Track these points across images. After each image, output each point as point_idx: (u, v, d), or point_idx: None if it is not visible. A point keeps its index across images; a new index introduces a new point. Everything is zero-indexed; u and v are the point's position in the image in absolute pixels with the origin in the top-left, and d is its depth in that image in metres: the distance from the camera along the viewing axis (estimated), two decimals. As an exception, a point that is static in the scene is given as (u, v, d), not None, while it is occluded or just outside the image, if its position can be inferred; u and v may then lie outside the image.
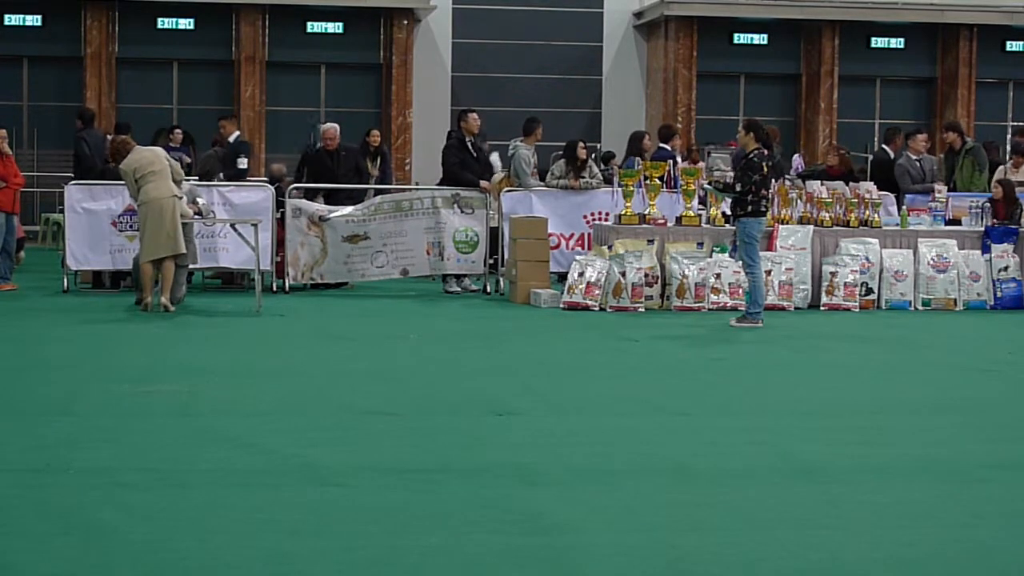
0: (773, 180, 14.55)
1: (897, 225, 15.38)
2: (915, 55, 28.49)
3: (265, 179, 18.39)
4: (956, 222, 15.76)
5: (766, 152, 12.91)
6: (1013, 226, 15.31)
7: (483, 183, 15.88)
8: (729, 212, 13.71)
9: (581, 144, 16.10)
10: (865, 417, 8.28)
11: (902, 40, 28.27)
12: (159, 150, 13.87)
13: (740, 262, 13.27)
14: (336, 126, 16.92)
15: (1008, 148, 26.75)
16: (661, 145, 17.21)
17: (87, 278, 15.70)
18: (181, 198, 13.39)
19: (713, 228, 14.75)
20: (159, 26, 26.63)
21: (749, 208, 12.72)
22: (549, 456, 6.95)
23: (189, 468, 6.53)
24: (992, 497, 6.29)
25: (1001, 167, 17.71)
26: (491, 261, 15.92)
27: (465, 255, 15.81)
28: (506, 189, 15.94)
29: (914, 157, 16.89)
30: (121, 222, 15.00)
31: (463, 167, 15.82)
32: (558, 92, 27.69)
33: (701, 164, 17.39)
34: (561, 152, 16.60)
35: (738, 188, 12.78)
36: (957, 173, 17.04)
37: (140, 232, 13.34)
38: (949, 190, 16.31)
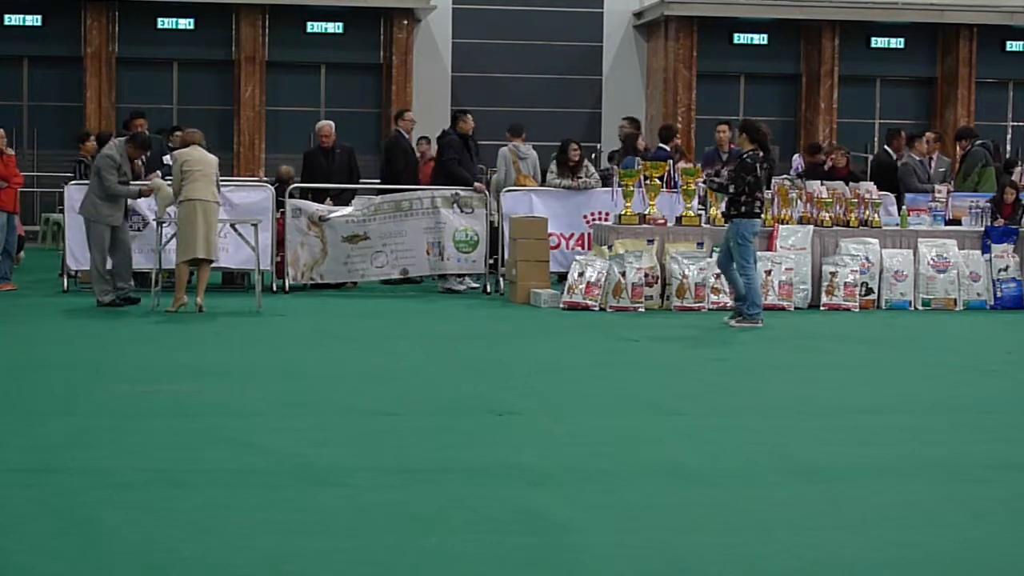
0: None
1: (897, 225, 15.39)
2: (915, 55, 28.50)
3: (267, 179, 18.41)
4: (956, 222, 15.77)
5: (761, 153, 12.90)
6: (1013, 226, 15.32)
7: (477, 183, 15.91)
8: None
9: (574, 146, 16.08)
10: (865, 417, 8.27)
11: (902, 40, 28.28)
12: (215, 160, 13.61)
13: (717, 262, 13.31)
14: (331, 123, 16.80)
15: (1008, 148, 26.79)
16: (661, 145, 17.20)
17: (87, 278, 15.69)
18: (220, 204, 13.52)
19: (713, 228, 14.74)
20: (159, 26, 26.65)
21: (743, 209, 12.74)
22: (549, 456, 6.95)
23: (189, 468, 6.52)
24: (992, 497, 6.28)
25: (1018, 168, 17.70)
26: (491, 261, 15.93)
27: (465, 255, 15.81)
28: (506, 189, 15.97)
29: (918, 157, 16.89)
30: (121, 222, 14.98)
31: (460, 165, 15.87)
32: (558, 92, 27.70)
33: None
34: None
35: (731, 189, 12.82)
36: (958, 178, 17.01)
37: (178, 231, 13.32)
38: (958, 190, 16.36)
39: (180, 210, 13.26)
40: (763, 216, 13.46)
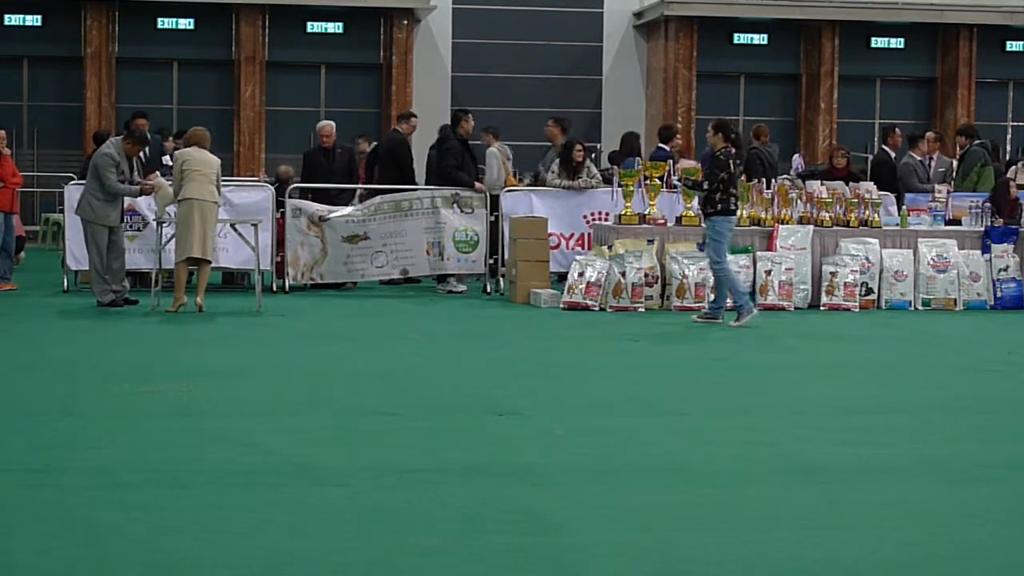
0: (762, 177, 14.58)
1: (897, 225, 15.39)
2: (915, 55, 28.50)
3: (267, 179, 18.40)
4: (956, 222, 15.76)
5: (734, 151, 12.98)
6: (1013, 226, 15.32)
7: (477, 184, 15.93)
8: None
9: (578, 146, 16.09)
10: (865, 417, 8.28)
11: (902, 40, 28.28)
12: (217, 161, 13.62)
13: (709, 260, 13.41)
14: (332, 123, 16.93)
15: (1008, 148, 26.77)
16: (660, 145, 17.20)
17: (87, 278, 15.69)
18: (219, 205, 13.50)
19: (713, 228, 14.73)
20: (159, 26, 26.65)
21: (719, 207, 12.81)
22: (549, 456, 6.95)
23: (189, 468, 6.52)
24: (992, 497, 6.29)
25: (1014, 167, 17.70)
26: (491, 261, 15.93)
27: (465, 255, 15.81)
28: (506, 189, 15.98)
29: (918, 157, 16.90)
30: (121, 222, 14.98)
31: (461, 169, 15.87)
32: (558, 92, 27.69)
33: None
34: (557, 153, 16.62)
35: (705, 186, 12.92)
36: (957, 178, 17.01)
37: (176, 230, 13.33)
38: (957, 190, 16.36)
39: (178, 209, 13.29)
40: (739, 212, 13.60)
